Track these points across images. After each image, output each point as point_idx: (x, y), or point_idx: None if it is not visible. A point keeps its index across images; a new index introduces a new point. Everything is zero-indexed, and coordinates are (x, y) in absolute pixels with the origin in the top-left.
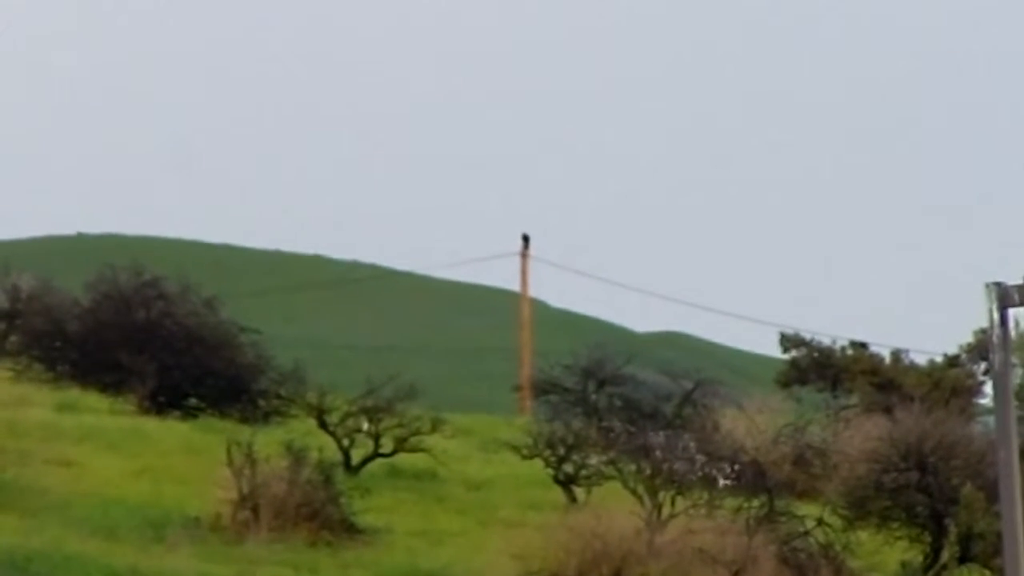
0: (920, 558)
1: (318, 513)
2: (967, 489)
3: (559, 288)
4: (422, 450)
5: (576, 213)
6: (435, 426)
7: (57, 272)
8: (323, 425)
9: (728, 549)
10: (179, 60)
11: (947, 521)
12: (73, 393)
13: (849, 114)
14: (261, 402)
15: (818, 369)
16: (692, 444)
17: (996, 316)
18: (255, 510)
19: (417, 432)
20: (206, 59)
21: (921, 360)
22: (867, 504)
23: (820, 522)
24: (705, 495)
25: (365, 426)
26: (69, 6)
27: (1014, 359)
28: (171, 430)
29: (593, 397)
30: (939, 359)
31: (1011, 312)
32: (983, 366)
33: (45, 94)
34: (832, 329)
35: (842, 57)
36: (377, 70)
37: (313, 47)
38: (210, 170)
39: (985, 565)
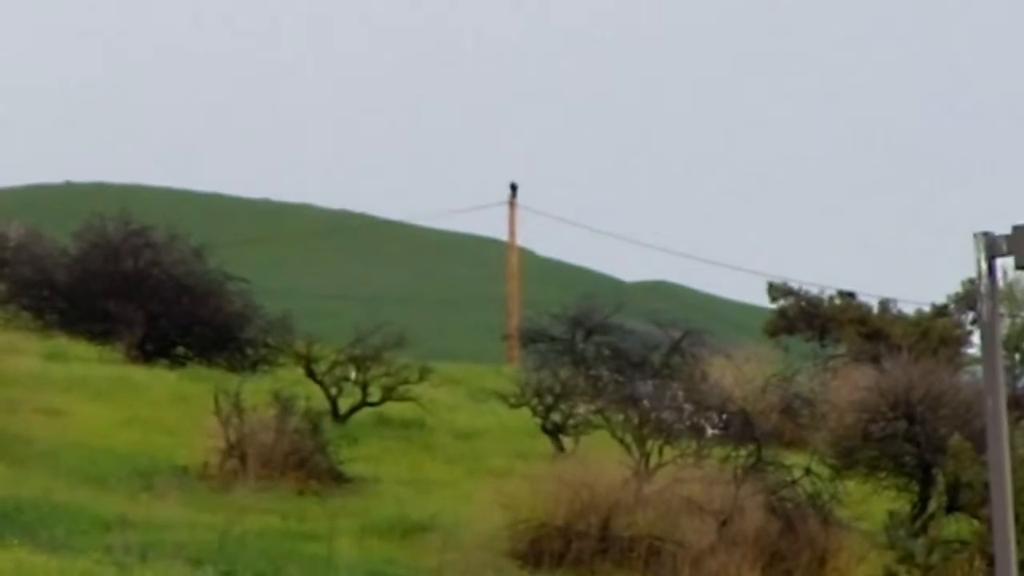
0: (907, 508)
1: (306, 462)
2: (955, 439)
3: (547, 237)
4: (410, 399)
5: (565, 162)
6: (423, 375)
7: (45, 221)
8: (311, 374)
9: (715, 499)
10: (169, 5)
11: (935, 471)
12: (61, 342)
13: (839, 63)
14: (249, 351)
15: (806, 319)
16: (680, 394)
17: (984, 266)
18: (243, 459)
19: (405, 381)
20: (197, 3)
21: (909, 310)
22: (854, 454)
23: (807, 472)
24: (693, 445)
25: (353, 375)
26: None
27: (1002, 309)
28: (159, 379)
29: (581, 346)
30: (927, 309)
31: (999, 262)
32: (971, 316)
33: (32, 41)
34: (820, 279)
35: (832, 6)
36: (366, 19)
37: None
38: (200, 118)
39: (973, 515)
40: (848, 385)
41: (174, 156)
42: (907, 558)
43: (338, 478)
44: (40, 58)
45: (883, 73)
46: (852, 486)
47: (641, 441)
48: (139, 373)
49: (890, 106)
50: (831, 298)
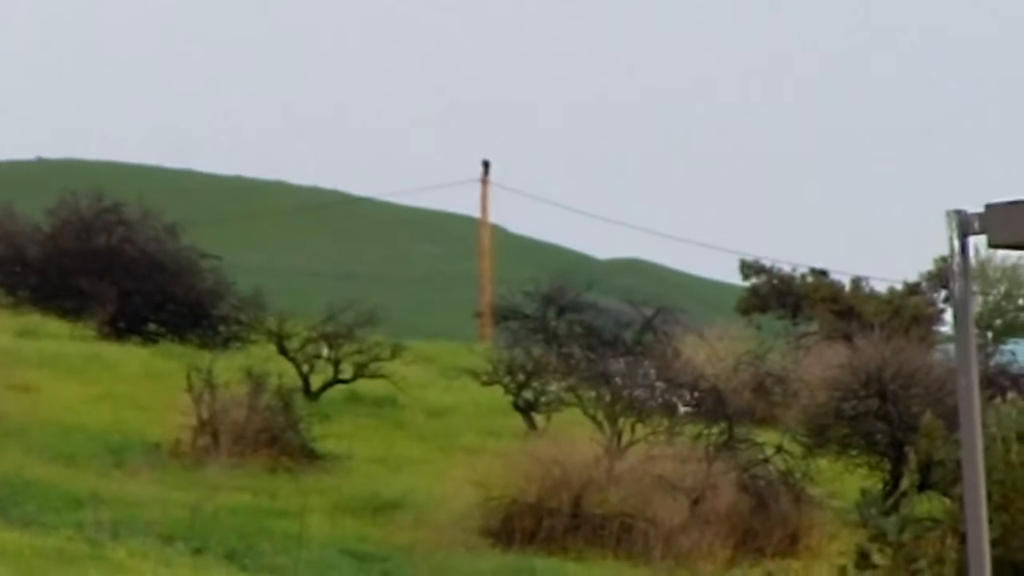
0: (879, 485)
1: (278, 439)
2: (927, 417)
3: (520, 215)
4: (382, 376)
5: (537, 139)
6: (395, 352)
7: (17, 197)
8: (283, 351)
9: (688, 476)
10: None
11: (907, 449)
12: (33, 319)
13: (813, 37)
14: (221, 328)
15: (778, 296)
16: (652, 371)
17: (957, 244)
18: (215, 436)
19: (377, 358)
20: None
21: (881, 288)
22: (826, 432)
23: (779, 449)
24: (665, 422)
25: (325, 352)
26: None
27: (974, 287)
28: (131, 356)
29: (553, 324)
30: (899, 287)
31: (971, 240)
32: (943, 294)
33: (1, 16)
34: (793, 257)
35: None
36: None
37: None
38: (172, 95)
39: (944, 493)
40: (820, 363)
41: (147, 133)
42: (879, 536)
43: (310, 455)
44: (10, 33)
45: (856, 51)
46: (824, 464)
47: (613, 419)
48: (111, 350)
49: (863, 85)
50: (803, 276)
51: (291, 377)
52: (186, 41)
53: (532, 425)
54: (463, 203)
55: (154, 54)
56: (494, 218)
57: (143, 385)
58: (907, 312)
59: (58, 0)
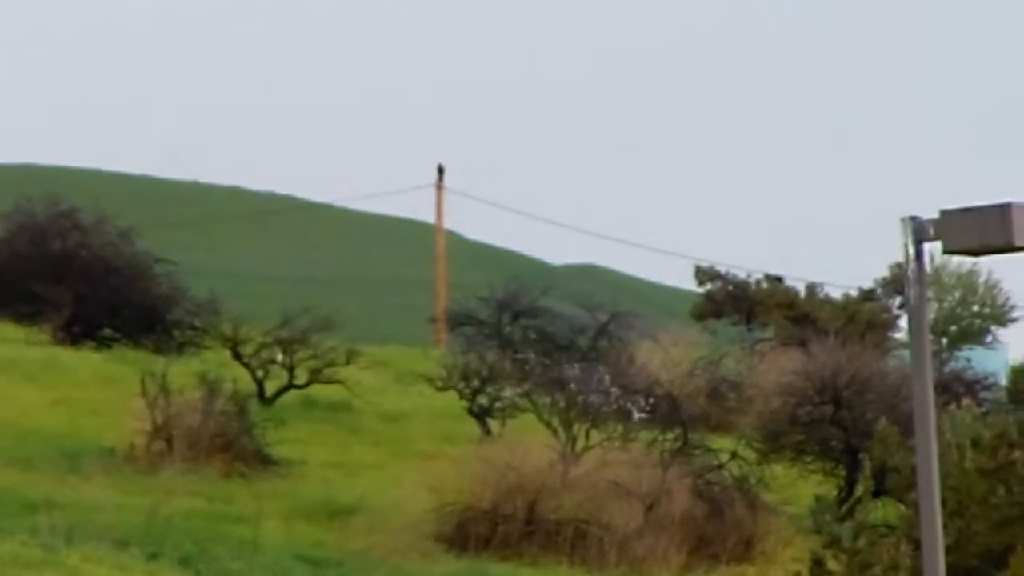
0: (834, 492)
1: (232, 444)
2: (881, 423)
3: (475, 220)
4: (337, 382)
5: (491, 145)
6: (350, 358)
7: None
8: (237, 356)
9: (642, 482)
10: None
11: (861, 455)
12: None
13: (767, 45)
14: (176, 333)
15: (733, 302)
16: (607, 377)
17: (912, 250)
18: (169, 441)
19: (332, 364)
20: None
21: (836, 294)
22: (781, 438)
23: (734, 455)
24: (620, 428)
25: (279, 357)
26: None
27: (929, 293)
28: (86, 360)
29: (508, 329)
30: (854, 293)
31: (926, 246)
32: (898, 300)
33: None
34: (747, 263)
35: None
36: (293, 4)
37: None
38: (128, 100)
39: (899, 499)
40: (775, 369)
41: (102, 138)
42: (833, 542)
43: (265, 460)
44: None
45: (811, 52)
46: (779, 470)
47: (568, 424)
48: (66, 355)
49: (817, 89)
50: (758, 282)
51: (246, 382)
52: (140, 44)
53: (487, 431)
54: (419, 208)
55: (109, 56)
56: (449, 223)
57: (98, 390)
58: (862, 318)
59: (14, 4)
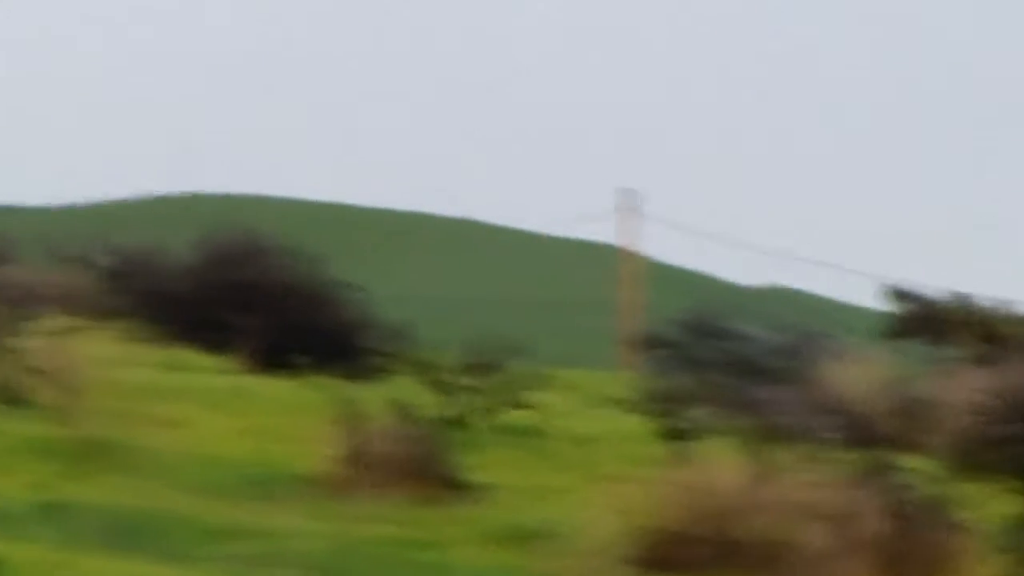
0: None
1: (423, 470)
2: None
3: (663, 242)
4: (527, 406)
5: (680, 167)
6: (540, 382)
7: (165, 231)
8: (428, 382)
9: (834, 503)
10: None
11: None
12: (178, 352)
13: (959, 55)
14: (366, 359)
15: (922, 321)
16: (797, 398)
17: None
18: (360, 467)
19: (522, 388)
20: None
21: None
22: (973, 457)
23: (925, 475)
24: (810, 449)
25: (470, 383)
26: None
27: None
28: (276, 388)
29: (698, 351)
30: None
31: None
32: None
33: (145, 51)
34: (936, 281)
35: None
36: (478, 24)
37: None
38: (316, 129)
39: None
40: (965, 388)
41: (293, 166)
42: None
43: (455, 486)
44: (159, 67)
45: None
46: (971, 489)
47: (758, 446)
48: (257, 383)
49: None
50: (947, 300)
51: (437, 408)
52: (328, 71)
53: (676, 453)
54: (607, 231)
55: (299, 86)
56: (637, 246)
57: (287, 417)
58: None
59: (200, 35)
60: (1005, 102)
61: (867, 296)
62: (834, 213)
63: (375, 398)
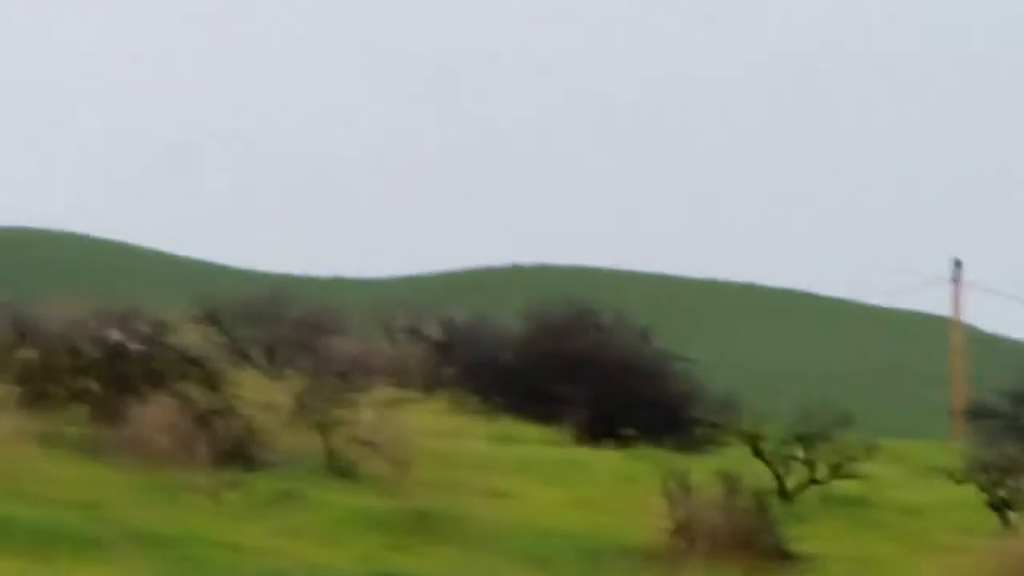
0: None
1: (752, 541)
2: None
3: (992, 312)
4: (856, 476)
5: (1009, 235)
6: (868, 452)
7: (492, 303)
8: (757, 453)
9: None
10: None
11: None
12: (507, 424)
13: None
14: (695, 430)
15: None
16: None
17: None
18: (690, 538)
19: (851, 458)
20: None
21: None
22: None
23: None
24: None
25: (799, 453)
26: None
27: None
28: (605, 459)
29: None
30: None
31: None
32: None
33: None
34: None
35: None
36: (804, 102)
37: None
38: (645, 200)
39: None
40: None
41: (619, 237)
42: None
43: (784, 556)
44: (471, 147)
45: None
46: None
47: None
48: (586, 454)
49: None
50: None
51: (766, 479)
52: (645, 136)
53: (1007, 523)
54: (934, 302)
55: (617, 157)
56: (966, 316)
57: (617, 488)
58: None
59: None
60: None
61: None
62: None
63: (704, 469)
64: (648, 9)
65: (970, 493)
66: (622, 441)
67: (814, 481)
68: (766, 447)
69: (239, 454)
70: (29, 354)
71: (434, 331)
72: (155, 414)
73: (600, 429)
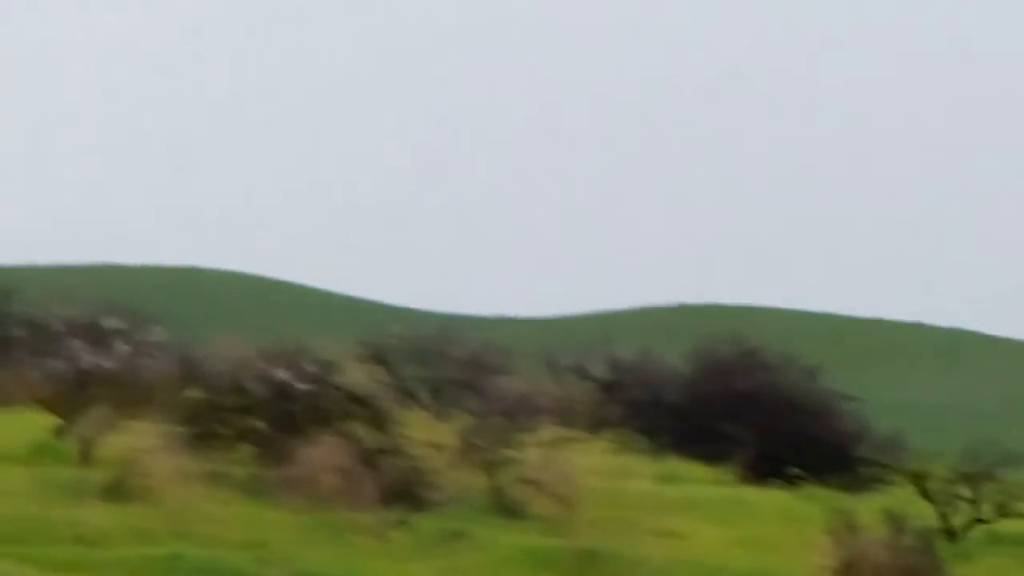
0: None
1: None
2: None
3: None
4: (1021, 515)
5: None
6: None
7: (658, 342)
8: (923, 492)
9: None
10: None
11: None
12: (673, 463)
13: None
14: (861, 470)
15: None
16: None
17: None
18: None
19: (1017, 497)
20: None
21: None
22: None
23: None
24: None
25: (965, 492)
26: None
27: None
28: (771, 499)
29: None
30: None
31: None
32: None
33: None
34: None
35: None
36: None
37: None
38: (804, 241)
39: None
40: None
41: (786, 276)
42: None
43: None
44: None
45: None
46: None
47: None
48: (752, 493)
49: None
50: None
51: (931, 518)
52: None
53: None
54: None
55: (766, 195)
56: None
57: (782, 528)
58: None
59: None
60: None
61: None
62: None
63: (869, 508)
64: None
65: None
66: (788, 480)
67: (979, 520)
68: (931, 486)
69: (405, 494)
70: (195, 394)
71: (600, 370)
72: (321, 454)
73: (766, 468)
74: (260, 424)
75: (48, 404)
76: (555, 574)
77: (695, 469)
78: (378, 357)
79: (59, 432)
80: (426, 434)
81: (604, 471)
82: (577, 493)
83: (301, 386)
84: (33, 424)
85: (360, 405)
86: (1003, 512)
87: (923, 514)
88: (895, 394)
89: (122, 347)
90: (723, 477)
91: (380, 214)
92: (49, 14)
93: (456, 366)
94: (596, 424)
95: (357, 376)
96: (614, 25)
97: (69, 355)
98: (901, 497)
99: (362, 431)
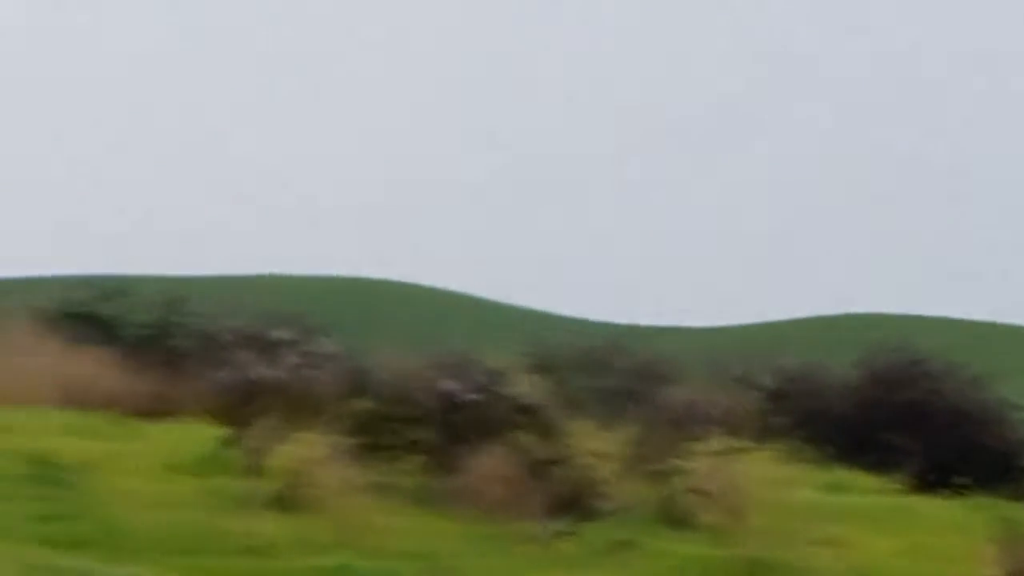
0: None
1: None
2: None
3: None
4: None
5: None
6: None
7: (825, 352)
8: None
9: None
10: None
11: None
12: (839, 473)
13: None
14: None
15: None
16: None
17: None
18: None
19: None
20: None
21: None
22: None
23: None
24: None
25: None
26: None
27: None
28: (938, 508)
29: None
30: None
31: None
32: None
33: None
34: None
35: None
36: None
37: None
38: (971, 249)
39: None
40: None
41: (951, 286)
42: None
43: None
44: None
45: None
46: None
47: None
48: (918, 503)
49: None
50: None
51: None
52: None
53: None
54: None
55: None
56: None
57: (948, 537)
58: None
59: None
60: None
61: None
62: None
63: None
64: None
65: None
66: (955, 490)
67: None
68: None
69: (574, 504)
70: (363, 404)
71: (767, 380)
72: (490, 464)
73: (933, 478)
74: (428, 435)
75: (216, 415)
76: None
77: (861, 479)
78: (546, 367)
79: (227, 443)
80: (593, 444)
81: (771, 481)
82: (745, 503)
83: (469, 396)
84: (201, 435)
85: (528, 415)
86: None
87: None
88: None
89: (291, 358)
90: (889, 487)
91: (548, 225)
92: None
93: (624, 376)
94: (763, 434)
95: (524, 386)
96: None
97: (237, 366)
98: None
99: (530, 441)
